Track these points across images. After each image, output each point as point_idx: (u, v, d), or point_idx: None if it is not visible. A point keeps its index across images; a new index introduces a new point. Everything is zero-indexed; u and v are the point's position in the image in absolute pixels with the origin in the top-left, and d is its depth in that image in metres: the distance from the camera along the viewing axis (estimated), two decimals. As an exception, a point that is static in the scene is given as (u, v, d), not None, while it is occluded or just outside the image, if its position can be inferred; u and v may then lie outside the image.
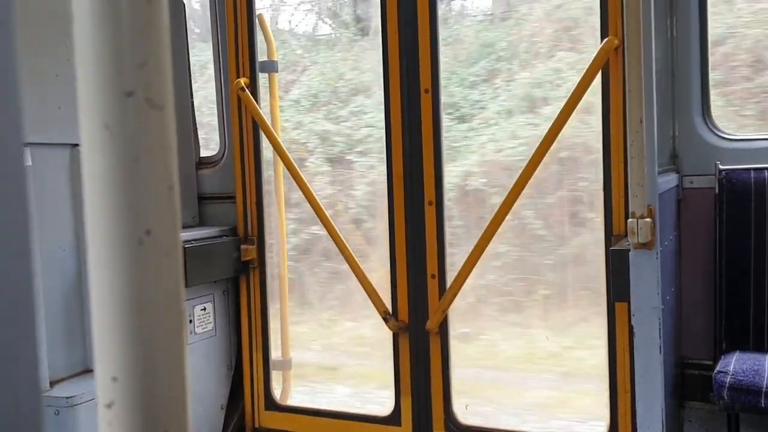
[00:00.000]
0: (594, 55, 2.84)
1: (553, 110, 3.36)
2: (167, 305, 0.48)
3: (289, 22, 5.37)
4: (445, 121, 3.39)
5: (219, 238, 3.57)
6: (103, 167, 0.46)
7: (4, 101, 0.54)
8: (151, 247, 0.48)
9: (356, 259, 3.32)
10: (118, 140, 0.46)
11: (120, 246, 0.47)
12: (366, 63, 4.73)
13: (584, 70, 2.85)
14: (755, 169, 2.96)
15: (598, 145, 2.95)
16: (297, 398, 3.77)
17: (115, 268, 0.47)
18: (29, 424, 0.57)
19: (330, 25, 5.37)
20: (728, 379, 2.54)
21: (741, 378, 2.53)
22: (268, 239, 3.66)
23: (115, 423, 0.47)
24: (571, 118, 2.88)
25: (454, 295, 3.14)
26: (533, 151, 2.92)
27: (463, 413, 3.26)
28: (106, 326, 0.47)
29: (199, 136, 3.95)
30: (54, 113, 2.89)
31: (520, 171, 2.96)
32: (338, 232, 3.37)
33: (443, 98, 3.25)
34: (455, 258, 3.28)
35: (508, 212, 2.99)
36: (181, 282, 0.49)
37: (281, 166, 3.61)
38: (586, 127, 3.76)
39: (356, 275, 3.32)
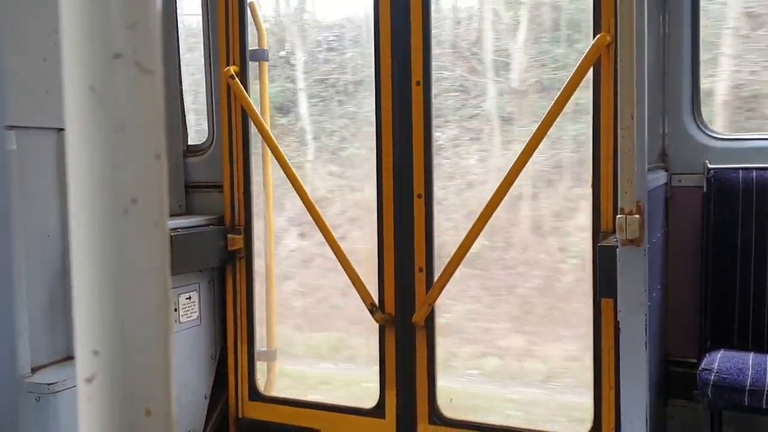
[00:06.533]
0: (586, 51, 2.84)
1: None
2: (152, 277, 0.46)
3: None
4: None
5: (205, 227, 3.54)
6: (87, 132, 0.45)
7: None
8: (137, 216, 0.46)
9: (343, 250, 3.31)
10: (105, 104, 0.44)
11: (104, 215, 0.45)
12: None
13: (576, 66, 2.84)
14: (743, 169, 2.97)
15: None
16: (281, 389, 3.75)
17: (99, 237, 0.45)
18: (8, 409, 0.56)
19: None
20: (712, 377, 2.55)
21: (725, 376, 2.54)
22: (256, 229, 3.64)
23: (95, 398, 0.46)
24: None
25: (441, 289, 3.13)
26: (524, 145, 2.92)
27: (446, 407, 3.26)
28: (88, 297, 0.46)
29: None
30: (40, 97, 2.85)
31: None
32: (327, 224, 3.35)
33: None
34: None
35: (497, 206, 2.98)
36: (166, 253, 0.47)
37: (270, 155, 3.58)
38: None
39: (343, 266, 3.30)
